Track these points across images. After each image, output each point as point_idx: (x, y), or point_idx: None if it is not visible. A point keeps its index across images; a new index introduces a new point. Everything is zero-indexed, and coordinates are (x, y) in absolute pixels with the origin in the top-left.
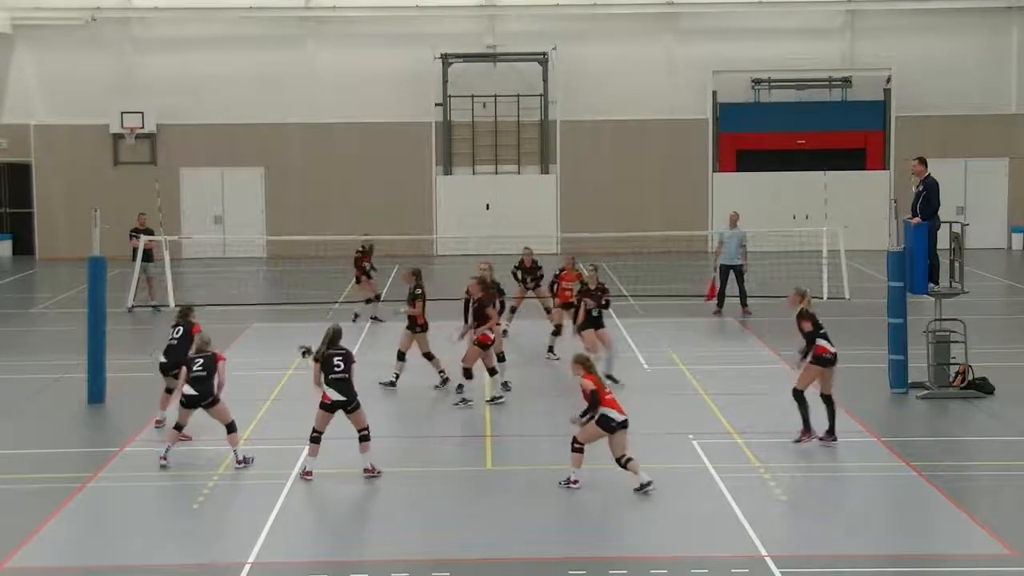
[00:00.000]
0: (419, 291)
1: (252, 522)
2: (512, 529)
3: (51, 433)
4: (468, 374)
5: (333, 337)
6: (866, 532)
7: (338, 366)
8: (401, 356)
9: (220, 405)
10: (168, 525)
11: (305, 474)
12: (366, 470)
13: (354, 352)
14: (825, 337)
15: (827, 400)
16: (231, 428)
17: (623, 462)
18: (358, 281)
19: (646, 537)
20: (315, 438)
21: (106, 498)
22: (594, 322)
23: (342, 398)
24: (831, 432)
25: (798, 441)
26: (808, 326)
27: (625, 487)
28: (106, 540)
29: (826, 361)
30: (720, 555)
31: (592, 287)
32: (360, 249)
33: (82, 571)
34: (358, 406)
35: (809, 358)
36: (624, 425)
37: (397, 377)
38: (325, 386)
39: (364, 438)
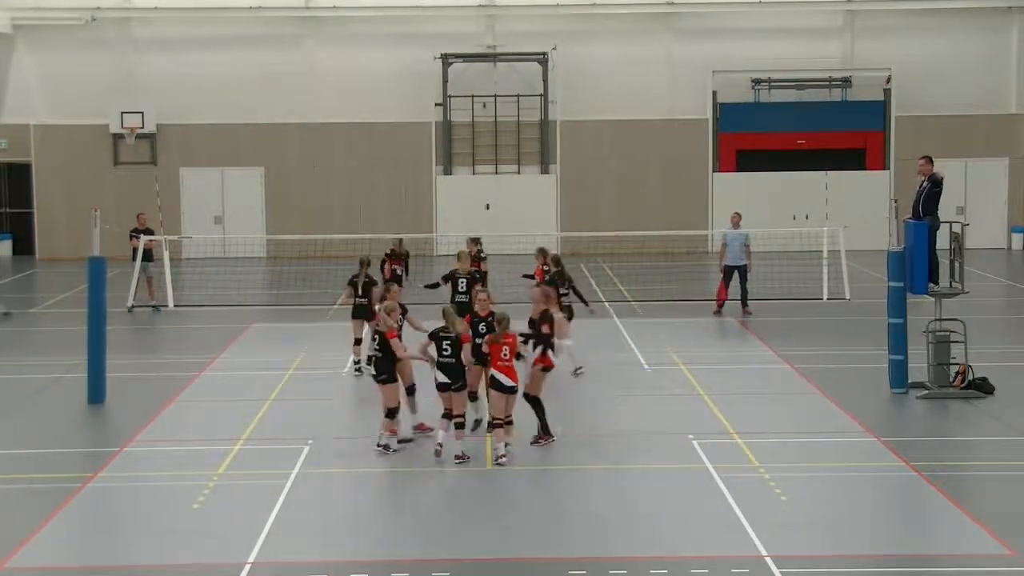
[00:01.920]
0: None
1: (252, 522)
2: (512, 529)
3: (51, 433)
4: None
5: (448, 317)
6: (866, 532)
7: (445, 350)
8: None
9: (387, 386)
10: (168, 525)
11: (456, 457)
12: (457, 456)
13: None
14: (553, 347)
15: (533, 402)
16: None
17: (505, 420)
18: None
19: (646, 537)
20: (445, 414)
21: (106, 498)
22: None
23: (446, 380)
24: (546, 431)
25: (535, 442)
26: (547, 329)
27: (625, 486)
28: (106, 540)
29: (549, 371)
30: (720, 555)
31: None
32: (388, 252)
33: (82, 571)
34: (462, 388)
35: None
36: (513, 391)
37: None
38: (435, 369)
39: (458, 425)
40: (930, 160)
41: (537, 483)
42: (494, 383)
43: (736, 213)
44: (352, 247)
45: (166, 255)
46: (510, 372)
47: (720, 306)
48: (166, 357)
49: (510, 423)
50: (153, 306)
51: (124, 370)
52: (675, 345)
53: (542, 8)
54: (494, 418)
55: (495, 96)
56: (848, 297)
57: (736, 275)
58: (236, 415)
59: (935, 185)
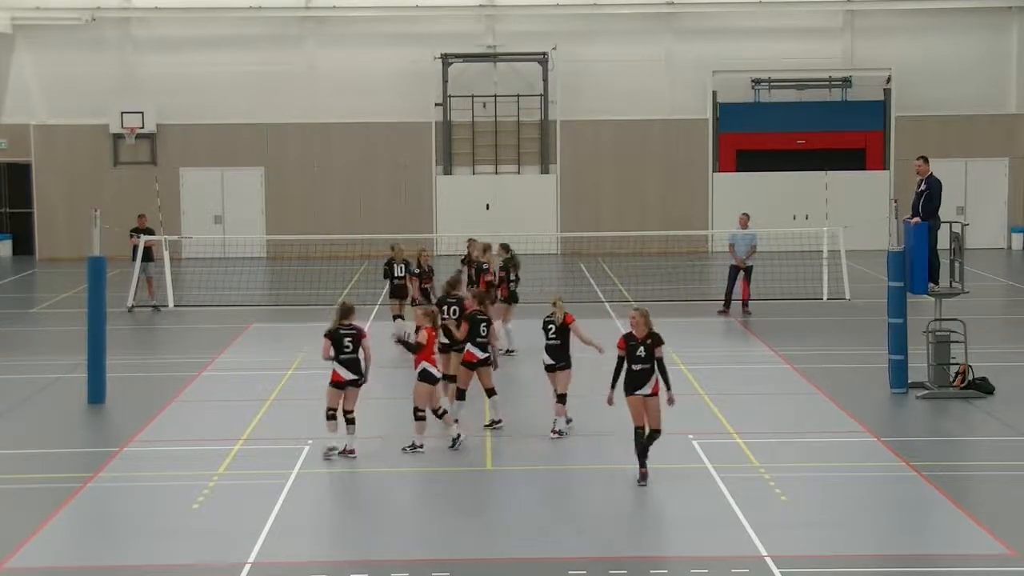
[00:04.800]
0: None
1: (252, 522)
2: (512, 529)
3: (51, 433)
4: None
5: (344, 313)
6: (866, 532)
7: (348, 346)
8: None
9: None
10: (168, 525)
11: (328, 451)
12: (349, 451)
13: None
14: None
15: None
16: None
17: (439, 413)
18: (413, 302)
19: (646, 537)
20: (330, 415)
21: (106, 498)
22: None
23: (353, 376)
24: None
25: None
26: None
27: (625, 486)
28: (106, 540)
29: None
30: (720, 555)
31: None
32: (416, 272)
33: (82, 571)
34: (362, 385)
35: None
36: (443, 378)
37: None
38: (336, 364)
39: (350, 421)
40: (926, 160)
41: (537, 483)
42: (425, 376)
43: (744, 214)
44: (352, 247)
45: (166, 255)
46: (435, 363)
47: (726, 306)
48: (166, 357)
49: (446, 412)
50: (153, 306)
51: (124, 370)
52: (675, 345)
53: (542, 8)
54: (419, 410)
55: (495, 96)
56: (848, 297)
57: (741, 275)
58: (236, 415)
59: (932, 188)
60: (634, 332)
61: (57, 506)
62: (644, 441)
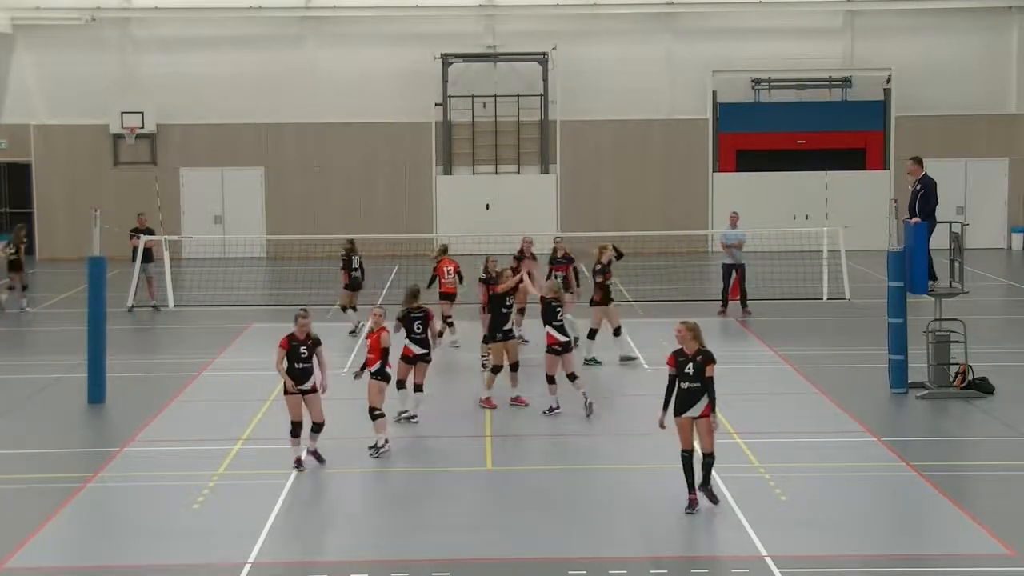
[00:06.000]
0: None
1: (252, 522)
2: (512, 529)
3: (51, 433)
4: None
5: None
6: (866, 532)
7: (303, 353)
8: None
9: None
10: (168, 525)
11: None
12: (312, 454)
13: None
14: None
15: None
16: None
17: (376, 414)
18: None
19: (646, 537)
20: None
21: (106, 498)
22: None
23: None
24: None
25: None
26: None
27: (625, 486)
28: (106, 540)
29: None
30: (720, 555)
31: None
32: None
33: (82, 571)
34: (312, 391)
35: None
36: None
37: None
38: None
39: (315, 428)
40: (918, 161)
41: (537, 483)
42: (386, 375)
43: (734, 212)
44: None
45: (166, 255)
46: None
47: (724, 305)
48: (166, 357)
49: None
50: (153, 306)
51: (124, 370)
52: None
53: (542, 8)
54: (375, 409)
55: (495, 96)
56: (848, 297)
57: (734, 274)
58: (236, 415)
59: (927, 187)
60: (683, 348)
61: (57, 506)
62: (704, 464)
